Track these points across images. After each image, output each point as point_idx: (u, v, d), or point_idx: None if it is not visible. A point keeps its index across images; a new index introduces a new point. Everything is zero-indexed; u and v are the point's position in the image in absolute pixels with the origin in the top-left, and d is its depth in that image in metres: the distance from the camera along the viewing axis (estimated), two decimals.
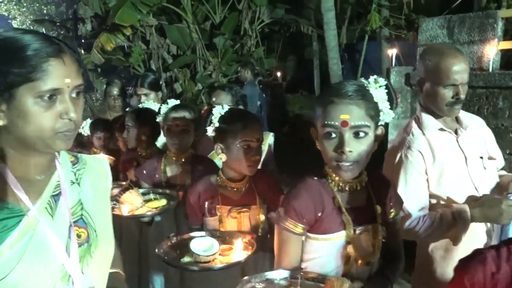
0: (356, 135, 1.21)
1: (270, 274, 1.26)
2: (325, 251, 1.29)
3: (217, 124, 1.65)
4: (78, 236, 1.01)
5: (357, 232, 1.30)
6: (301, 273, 1.24)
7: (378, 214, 1.32)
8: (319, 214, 1.28)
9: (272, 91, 9.35)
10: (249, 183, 1.70)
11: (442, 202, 1.72)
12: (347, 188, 1.30)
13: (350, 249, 1.28)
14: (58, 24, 11.24)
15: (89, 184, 1.08)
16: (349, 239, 1.27)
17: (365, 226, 1.31)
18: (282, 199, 1.37)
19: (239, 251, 1.48)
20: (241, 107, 2.55)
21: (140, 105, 2.61)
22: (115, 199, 1.85)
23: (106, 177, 1.16)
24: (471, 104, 3.17)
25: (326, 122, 1.22)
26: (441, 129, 1.77)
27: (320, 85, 11.39)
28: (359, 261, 1.28)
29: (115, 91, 3.39)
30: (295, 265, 1.30)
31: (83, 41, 9.47)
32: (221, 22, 8.44)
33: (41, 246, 0.94)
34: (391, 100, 1.27)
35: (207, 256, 1.43)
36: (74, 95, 0.95)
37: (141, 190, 2.01)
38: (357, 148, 1.21)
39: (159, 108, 2.26)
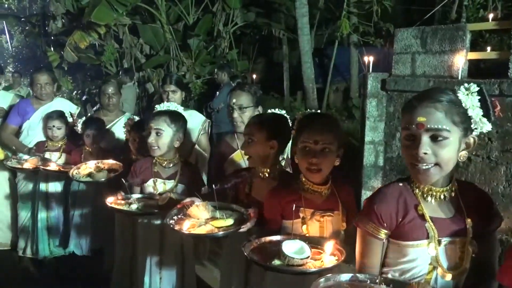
0: (434, 138, 1.18)
1: (346, 276, 1.25)
2: (406, 258, 1.28)
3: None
4: None
5: (443, 243, 1.26)
6: (381, 277, 1.24)
7: (469, 228, 1.26)
8: (400, 220, 1.27)
9: None
10: (331, 188, 1.66)
11: None
12: (433, 196, 1.27)
13: (433, 259, 1.25)
14: (23, 19, 10.87)
15: None
16: (433, 249, 1.25)
17: (452, 238, 1.27)
18: (364, 203, 1.36)
19: (328, 255, 1.45)
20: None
21: (165, 103, 2.50)
22: (182, 211, 1.79)
23: None
24: None
25: (404, 125, 1.23)
26: None
27: (289, 87, 11.62)
28: (444, 273, 1.26)
29: (110, 89, 3.38)
30: (375, 268, 1.30)
31: (52, 38, 9.21)
32: (195, 23, 8.49)
33: None
34: (486, 108, 1.22)
35: (301, 259, 1.40)
36: None
37: (212, 203, 1.80)
38: (434, 151, 1.18)
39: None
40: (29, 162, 3.11)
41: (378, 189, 1.36)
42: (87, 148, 3.17)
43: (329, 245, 1.46)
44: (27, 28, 11.17)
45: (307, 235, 1.59)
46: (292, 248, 1.43)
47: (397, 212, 1.27)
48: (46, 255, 3.40)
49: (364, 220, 1.30)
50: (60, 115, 3.35)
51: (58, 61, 9.50)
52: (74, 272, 3.22)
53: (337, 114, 8.98)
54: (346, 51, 10.25)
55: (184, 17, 8.46)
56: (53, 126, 3.32)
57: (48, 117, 3.35)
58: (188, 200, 1.80)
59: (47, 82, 3.51)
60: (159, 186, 2.25)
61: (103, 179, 2.62)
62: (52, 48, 9.28)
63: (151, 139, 2.18)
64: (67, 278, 3.22)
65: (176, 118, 2.27)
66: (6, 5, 14.54)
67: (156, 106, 2.37)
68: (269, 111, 2.09)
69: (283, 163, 2.02)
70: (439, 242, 1.25)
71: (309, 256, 1.41)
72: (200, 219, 1.72)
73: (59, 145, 3.38)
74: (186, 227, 1.68)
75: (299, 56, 15.27)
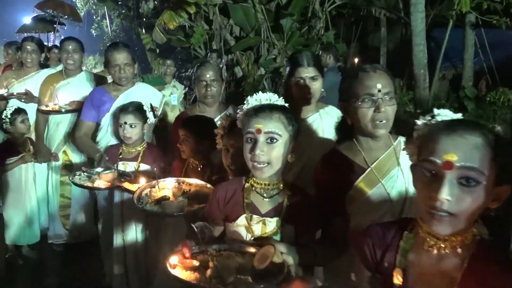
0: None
1: None
2: None
3: None
4: None
5: None
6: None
7: None
8: None
9: None
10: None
11: None
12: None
13: None
14: (119, 2, 11.11)
15: None
16: None
17: None
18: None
19: None
20: None
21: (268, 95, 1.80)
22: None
23: None
24: None
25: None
26: None
27: None
28: None
29: (209, 74, 2.51)
30: None
31: (144, 20, 9.21)
32: (288, 2, 7.82)
33: None
34: None
35: None
36: None
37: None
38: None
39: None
40: (103, 179, 2.35)
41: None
42: (195, 163, 2.21)
43: None
44: (123, 11, 11.39)
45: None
46: None
47: None
48: None
49: None
50: (136, 107, 2.57)
51: (151, 43, 9.49)
52: None
53: (447, 106, 7.84)
54: (458, 33, 8.94)
55: None
56: (125, 122, 2.53)
57: (121, 110, 2.61)
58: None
59: (127, 63, 2.80)
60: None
61: (177, 213, 1.79)
62: (144, 31, 9.27)
63: (259, 150, 1.38)
64: None
65: (291, 118, 1.55)
66: None
67: (251, 99, 1.49)
68: None
69: None
70: None
71: None
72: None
73: (136, 152, 2.61)
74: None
75: (400, 39, 13.95)
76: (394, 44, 13.96)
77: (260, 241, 1.26)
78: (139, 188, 1.94)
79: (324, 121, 2.10)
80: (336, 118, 2.14)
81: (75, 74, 3.48)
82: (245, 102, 1.49)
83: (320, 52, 4.54)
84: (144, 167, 2.58)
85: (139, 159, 2.60)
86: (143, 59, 10.78)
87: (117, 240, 2.56)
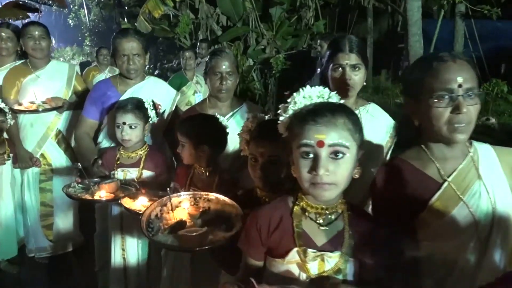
0: None
1: None
2: None
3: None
4: None
5: None
6: None
7: None
8: None
9: None
10: None
11: None
12: None
13: None
14: None
15: None
16: None
17: None
18: None
19: None
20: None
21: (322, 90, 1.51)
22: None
23: None
24: None
25: None
26: None
27: (372, 65, 10.38)
28: None
29: (225, 65, 2.17)
30: None
31: (126, 8, 8.81)
32: None
33: None
34: None
35: None
36: None
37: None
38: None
39: None
40: (104, 189, 1.95)
41: None
42: (201, 170, 1.86)
43: None
44: (102, 0, 10.93)
45: None
46: None
47: None
48: None
49: None
50: (136, 105, 2.20)
51: None
52: None
53: None
54: (445, 24, 8.86)
55: None
56: (123, 123, 2.15)
57: (118, 108, 2.20)
58: None
59: (137, 53, 2.38)
60: None
61: (200, 248, 1.34)
62: (126, 20, 8.88)
63: (323, 170, 1.06)
64: None
65: (358, 121, 1.32)
66: None
67: (298, 96, 1.16)
68: None
69: None
70: None
71: None
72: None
73: (137, 156, 2.25)
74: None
75: (386, 29, 13.85)
76: (380, 35, 13.89)
77: (319, 283, 1.03)
78: (147, 208, 1.49)
79: (365, 122, 1.47)
80: (382, 119, 1.88)
81: (43, 65, 3.06)
82: (289, 100, 1.14)
83: (319, 41, 4.27)
84: (147, 174, 2.22)
85: (141, 165, 2.22)
86: None
87: (116, 259, 2.22)
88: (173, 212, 1.49)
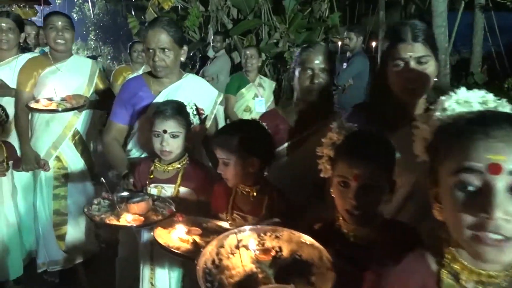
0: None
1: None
2: None
3: None
4: None
5: None
6: None
7: None
8: None
9: None
10: None
11: None
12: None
13: None
14: None
15: None
16: None
17: None
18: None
19: None
20: None
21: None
22: None
23: None
24: None
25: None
26: None
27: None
28: None
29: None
30: None
31: (132, 1, 8.58)
32: None
33: None
34: None
35: None
36: None
37: None
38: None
39: None
40: (133, 210, 1.67)
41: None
42: (246, 189, 1.59)
43: None
44: None
45: None
46: None
47: None
48: None
49: None
50: (178, 110, 1.91)
51: (138, 27, 8.85)
52: None
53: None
54: (465, 17, 8.57)
55: None
56: (164, 131, 1.85)
57: (156, 113, 1.89)
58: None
59: (165, 47, 2.05)
60: None
61: None
62: (133, 13, 8.63)
63: (501, 212, 0.69)
64: None
65: None
66: None
67: (448, 100, 0.84)
68: None
69: None
70: None
71: None
72: None
73: (174, 170, 1.94)
74: None
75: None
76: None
77: None
78: (203, 250, 1.09)
79: None
80: None
81: (64, 58, 2.78)
82: (433, 107, 0.82)
83: (346, 32, 3.96)
84: (183, 191, 1.87)
85: (178, 181, 1.89)
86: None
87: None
88: (240, 257, 1.10)
